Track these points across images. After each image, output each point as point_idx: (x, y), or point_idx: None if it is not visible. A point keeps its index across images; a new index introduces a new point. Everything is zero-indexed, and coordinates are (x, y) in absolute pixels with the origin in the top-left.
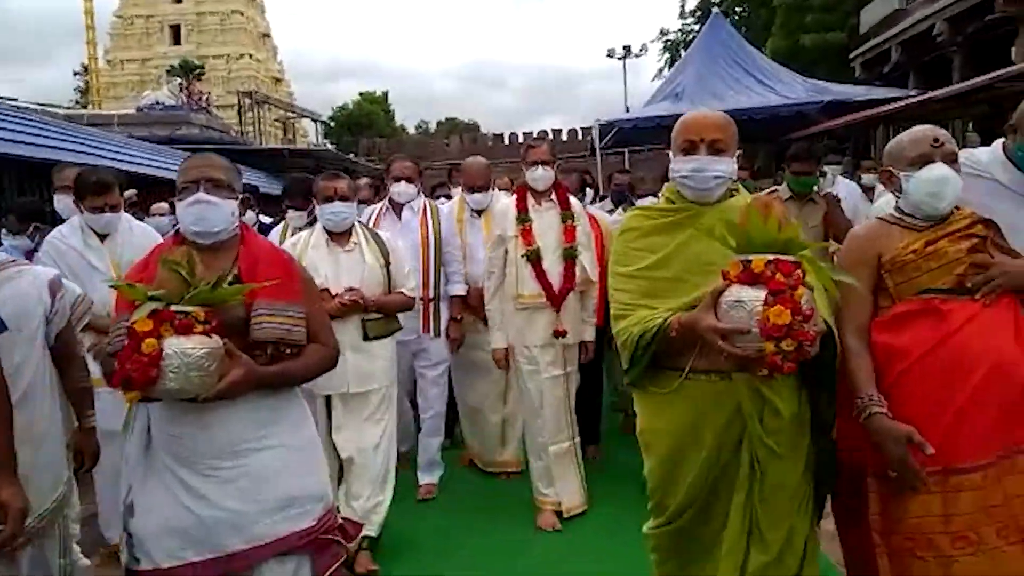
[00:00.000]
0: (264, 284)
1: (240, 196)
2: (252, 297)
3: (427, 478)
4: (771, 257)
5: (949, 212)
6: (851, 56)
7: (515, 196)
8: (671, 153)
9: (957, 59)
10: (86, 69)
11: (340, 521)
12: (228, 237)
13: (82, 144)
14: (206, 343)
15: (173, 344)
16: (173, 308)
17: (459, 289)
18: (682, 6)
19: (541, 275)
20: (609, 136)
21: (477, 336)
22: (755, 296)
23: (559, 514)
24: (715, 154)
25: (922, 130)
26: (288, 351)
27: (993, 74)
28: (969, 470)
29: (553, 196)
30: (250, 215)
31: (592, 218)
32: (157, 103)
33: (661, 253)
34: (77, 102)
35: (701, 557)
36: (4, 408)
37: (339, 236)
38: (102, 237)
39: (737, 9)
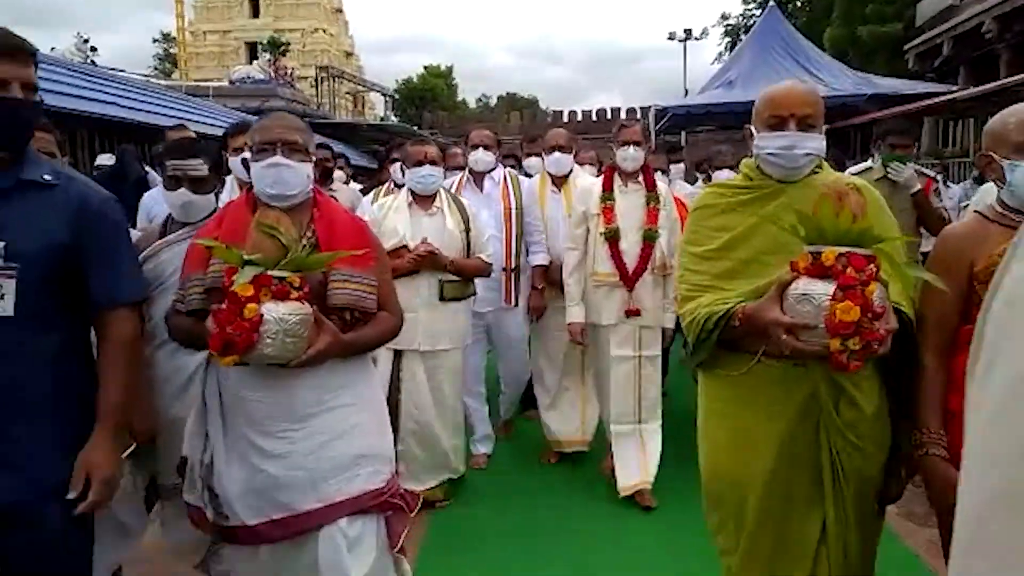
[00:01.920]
0: (354, 253)
1: (315, 158)
2: (330, 263)
3: (483, 447)
4: (843, 250)
5: None
6: (905, 48)
7: (603, 175)
8: (754, 128)
9: (1005, 56)
10: (165, 37)
11: (403, 489)
12: (302, 200)
13: (186, 111)
14: (300, 309)
15: (271, 310)
16: (271, 273)
17: (541, 259)
18: None
19: (617, 255)
20: (664, 120)
21: (557, 313)
22: (824, 290)
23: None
24: (806, 130)
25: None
26: (359, 317)
27: (1020, 76)
28: None
29: (640, 178)
30: (339, 174)
31: (679, 202)
32: (248, 77)
33: (736, 231)
34: (156, 68)
35: (782, 559)
36: (132, 370)
37: (423, 200)
38: None
39: (797, 0)
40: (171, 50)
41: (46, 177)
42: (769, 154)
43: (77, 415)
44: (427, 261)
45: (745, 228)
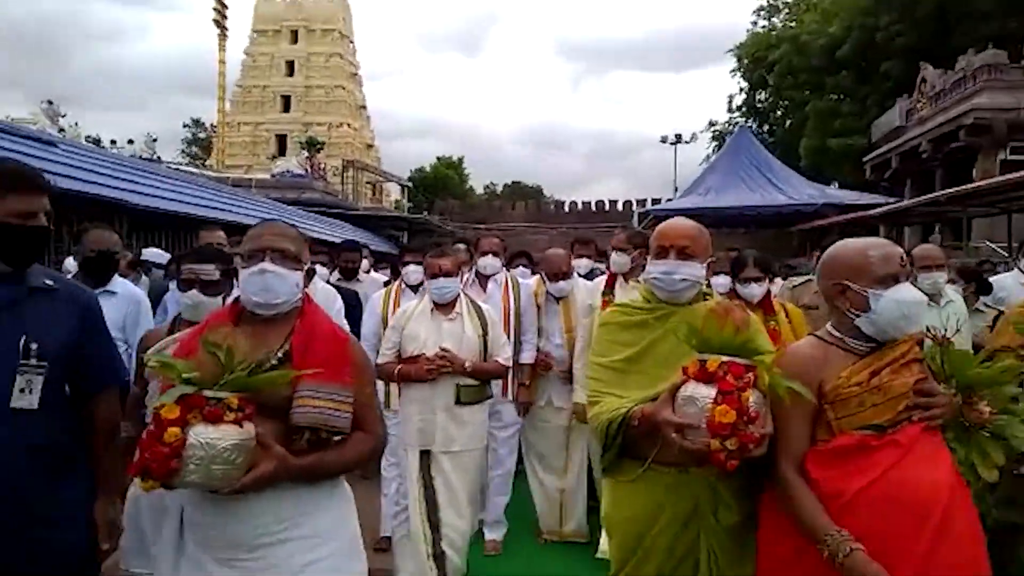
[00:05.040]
0: (307, 372)
1: (306, 267)
2: (299, 377)
3: (492, 534)
4: (725, 359)
5: None
6: (864, 161)
7: (607, 276)
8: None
9: (939, 172)
10: (196, 123)
11: None
12: (289, 309)
13: (231, 203)
14: (235, 433)
15: (199, 433)
16: (206, 394)
17: (528, 357)
18: (730, 101)
19: None
20: (648, 219)
21: (538, 409)
22: (707, 394)
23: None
24: (684, 259)
25: (885, 244)
26: (330, 437)
27: (934, 194)
28: None
29: (641, 278)
30: (322, 271)
31: None
32: (288, 171)
33: (635, 348)
34: (184, 151)
35: None
36: (117, 431)
37: (443, 306)
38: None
39: (777, 112)
40: (200, 135)
41: (47, 282)
42: (653, 278)
43: (82, 490)
44: (439, 369)
45: (647, 342)
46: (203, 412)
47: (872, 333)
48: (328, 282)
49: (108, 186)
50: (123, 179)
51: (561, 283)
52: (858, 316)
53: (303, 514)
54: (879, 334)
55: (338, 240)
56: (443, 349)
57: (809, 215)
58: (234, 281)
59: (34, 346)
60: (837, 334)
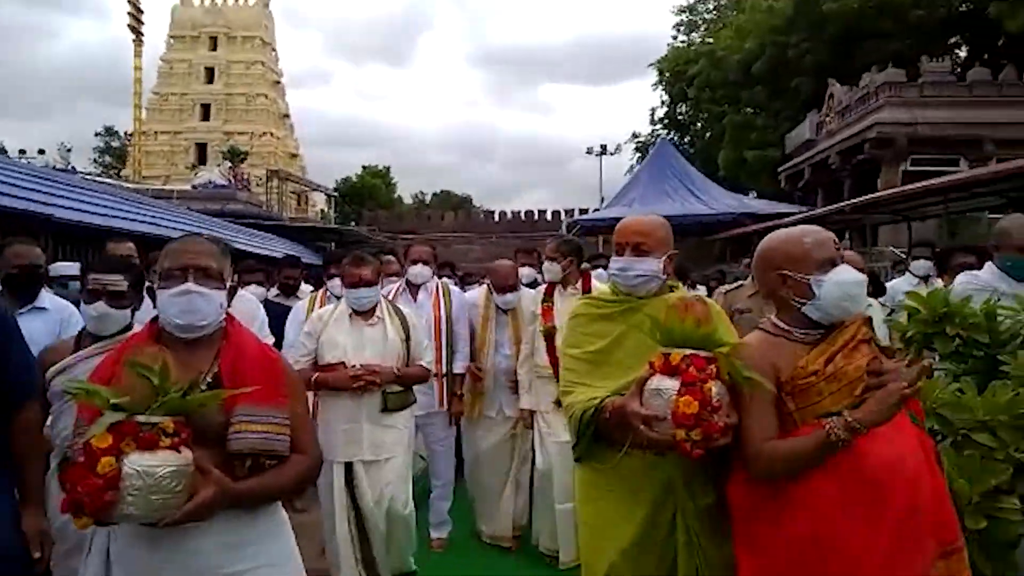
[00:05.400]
0: (245, 391)
1: (228, 286)
2: (233, 401)
3: (437, 533)
4: (688, 352)
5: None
6: (778, 171)
7: (546, 284)
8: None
9: (847, 183)
10: (108, 131)
11: None
12: (212, 331)
13: (151, 215)
14: (173, 459)
15: (135, 462)
16: (138, 419)
17: (461, 367)
18: (652, 113)
19: (551, 350)
20: (576, 228)
21: (488, 420)
22: (671, 386)
23: (556, 563)
24: (638, 255)
25: (817, 231)
26: (269, 462)
27: (840, 204)
28: None
29: (578, 284)
30: (258, 290)
31: None
32: (210, 182)
33: (606, 339)
34: (96, 160)
35: None
36: (41, 444)
37: (363, 312)
38: None
39: (697, 124)
40: (113, 144)
41: None
42: (612, 273)
43: (7, 502)
44: (368, 387)
45: (616, 335)
46: (137, 439)
47: (818, 318)
48: (267, 299)
49: (29, 199)
50: (42, 191)
51: (508, 295)
52: (803, 304)
53: (252, 543)
54: (825, 318)
55: (267, 253)
56: (364, 366)
57: (728, 224)
58: (144, 295)
59: None
60: (783, 326)
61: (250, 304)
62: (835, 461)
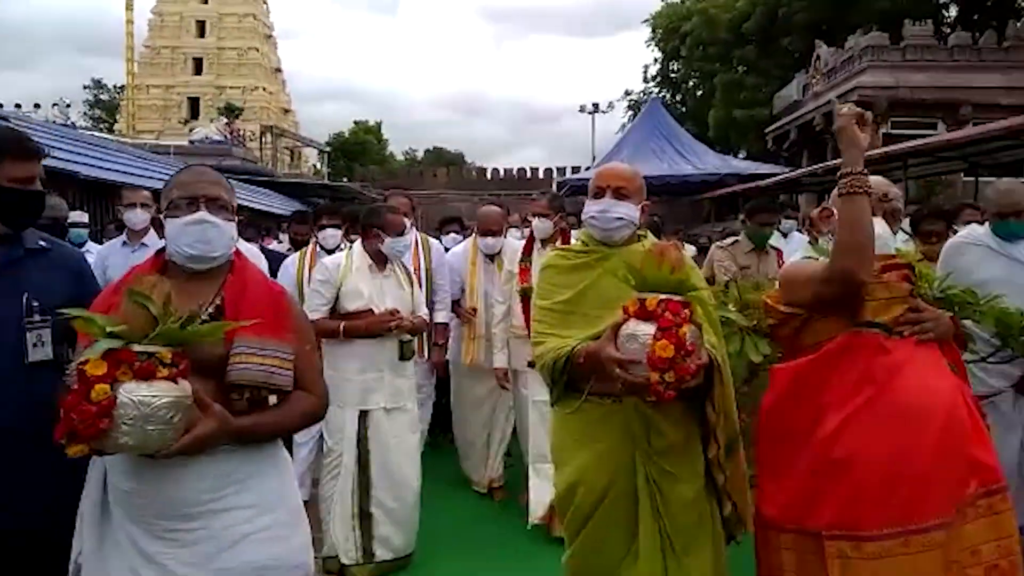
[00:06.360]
0: (244, 323)
1: (237, 218)
2: (233, 333)
3: None
4: (663, 296)
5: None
6: (765, 132)
7: (525, 241)
8: (587, 200)
9: (831, 144)
10: (97, 84)
11: None
12: (221, 263)
13: (152, 170)
14: (170, 390)
15: (130, 391)
16: (135, 348)
17: (443, 316)
18: (645, 71)
19: (527, 310)
20: (565, 188)
21: (478, 370)
22: (647, 330)
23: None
24: (619, 199)
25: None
26: (270, 397)
27: (817, 166)
28: (932, 528)
29: (559, 242)
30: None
31: None
32: (207, 137)
33: (575, 289)
34: (87, 114)
35: None
36: None
37: (378, 262)
38: None
39: (689, 83)
40: (102, 97)
41: (41, 243)
42: (591, 217)
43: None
44: (403, 325)
45: (586, 284)
46: (133, 368)
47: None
48: (277, 252)
49: (57, 158)
50: (66, 150)
51: (489, 239)
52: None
53: (245, 479)
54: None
55: (264, 208)
56: (396, 311)
57: (714, 184)
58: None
59: (36, 303)
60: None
61: (252, 253)
62: (870, 396)
